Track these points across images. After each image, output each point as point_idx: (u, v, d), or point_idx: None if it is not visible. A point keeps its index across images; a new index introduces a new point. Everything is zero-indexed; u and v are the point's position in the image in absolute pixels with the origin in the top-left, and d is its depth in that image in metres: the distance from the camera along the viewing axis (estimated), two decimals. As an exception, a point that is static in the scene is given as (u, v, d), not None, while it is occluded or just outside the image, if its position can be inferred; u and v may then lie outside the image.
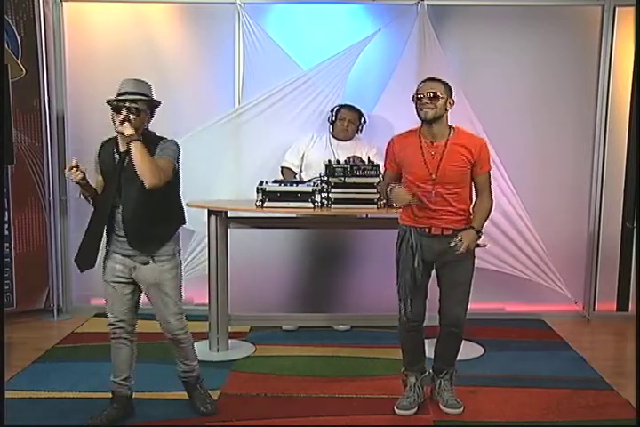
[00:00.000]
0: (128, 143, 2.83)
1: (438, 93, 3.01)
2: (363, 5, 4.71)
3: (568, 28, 4.68)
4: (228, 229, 4.05)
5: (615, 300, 4.92)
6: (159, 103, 3.01)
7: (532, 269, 4.72)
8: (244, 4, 4.56)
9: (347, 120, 4.35)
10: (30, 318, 4.75)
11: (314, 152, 4.39)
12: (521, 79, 4.68)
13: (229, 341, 4.16)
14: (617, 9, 4.61)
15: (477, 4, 4.62)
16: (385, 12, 4.67)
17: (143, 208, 2.92)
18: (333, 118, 4.40)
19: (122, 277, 3.04)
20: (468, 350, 3.89)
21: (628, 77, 4.67)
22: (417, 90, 3.08)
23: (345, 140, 4.40)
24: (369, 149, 4.35)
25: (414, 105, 3.07)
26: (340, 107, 4.40)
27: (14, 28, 4.57)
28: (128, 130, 2.81)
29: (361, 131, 4.44)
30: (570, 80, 4.70)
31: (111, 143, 3.02)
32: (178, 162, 2.99)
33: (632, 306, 4.87)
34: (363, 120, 4.42)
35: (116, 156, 2.97)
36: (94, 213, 3.04)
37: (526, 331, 4.58)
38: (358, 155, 4.24)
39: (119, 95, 2.91)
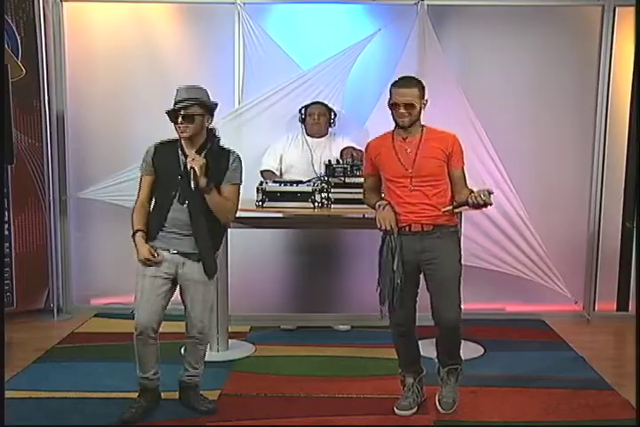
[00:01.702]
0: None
1: (414, 103, 3.02)
2: (363, 5, 4.71)
3: (568, 28, 4.68)
4: (228, 229, 4.04)
5: (615, 300, 4.92)
6: (216, 105, 3.11)
7: (531, 269, 4.71)
8: (244, 4, 4.56)
9: (316, 114, 4.34)
10: (30, 318, 4.74)
11: (292, 153, 4.38)
12: (521, 79, 4.68)
13: (229, 341, 4.16)
14: (617, 9, 4.61)
15: (477, 4, 4.62)
16: (385, 12, 4.67)
17: (210, 211, 3.04)
18: (303, 117, 4.39)
19: (165, 273, 3.08)
20: (468, 350, 3.89)
21: (628, 77, 4.67)
22: (392, 95, 3.06)
23: (320, 137, 4.39)
24: (343, 138, 4.37)
25: (390, 110, 3.08)
26: (307, 105, 4.40)
27: (14, 28, 4.57)
28: (201, 181, 2.96)
29: (334, 124, 4.42)
30: (570, 80, 4.70)
31: (173, 146, 3.10)
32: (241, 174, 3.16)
33: (632, 306, 4.87)
34: (333, 114, 4.40)
35: (183, 159, 3.05)
36: (163, 214, 3.08)
37: (526, 331, 4.58)
38: (335, 149, 4.27)
39: (175, 104, 3.00)
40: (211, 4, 4.64)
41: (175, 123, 2.99)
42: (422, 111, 3.10)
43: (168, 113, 3.01)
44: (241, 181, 3.15)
